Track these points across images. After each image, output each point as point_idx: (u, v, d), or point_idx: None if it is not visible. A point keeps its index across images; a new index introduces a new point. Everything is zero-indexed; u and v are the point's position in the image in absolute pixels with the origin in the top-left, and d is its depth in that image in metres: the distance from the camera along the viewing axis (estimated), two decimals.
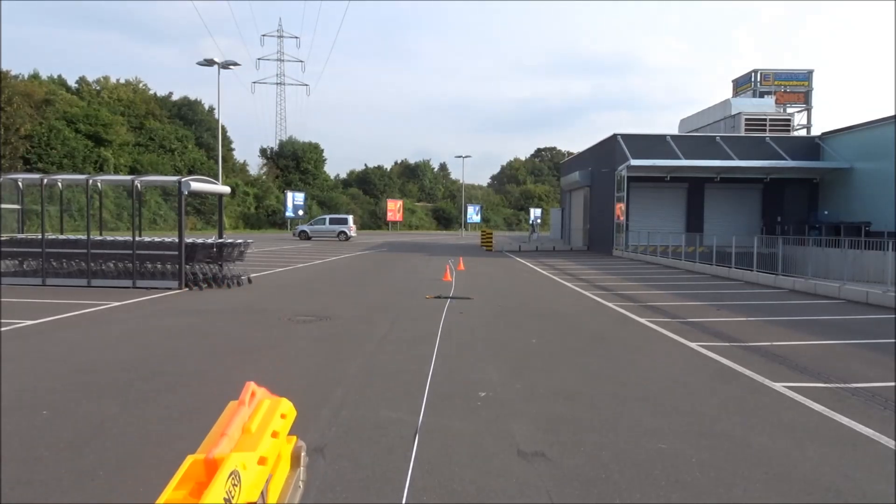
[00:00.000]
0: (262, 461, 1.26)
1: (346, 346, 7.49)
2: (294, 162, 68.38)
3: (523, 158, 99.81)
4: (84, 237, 13.78)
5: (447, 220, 72.87)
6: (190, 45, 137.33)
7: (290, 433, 1.63)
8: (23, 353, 6.83)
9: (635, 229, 26.66)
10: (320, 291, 13.26)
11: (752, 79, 38.64)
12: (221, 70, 22.19)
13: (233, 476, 1.10)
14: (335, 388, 5.54)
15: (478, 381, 5.84)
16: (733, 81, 41.12)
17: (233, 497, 1.08)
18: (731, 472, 3.82)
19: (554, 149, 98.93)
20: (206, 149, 59.27)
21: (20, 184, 15.41)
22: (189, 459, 1.14)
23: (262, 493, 1.27)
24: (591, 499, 3.42)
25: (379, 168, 78.29)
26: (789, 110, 37.30)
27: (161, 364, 6.41)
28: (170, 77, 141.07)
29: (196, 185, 13.85)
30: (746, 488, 3.59)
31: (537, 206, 71.06)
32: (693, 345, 7.79)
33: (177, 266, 13.08)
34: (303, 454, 1.61)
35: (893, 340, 8.19)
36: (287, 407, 1.58)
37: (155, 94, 62.71)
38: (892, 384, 5.98)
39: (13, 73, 49.43)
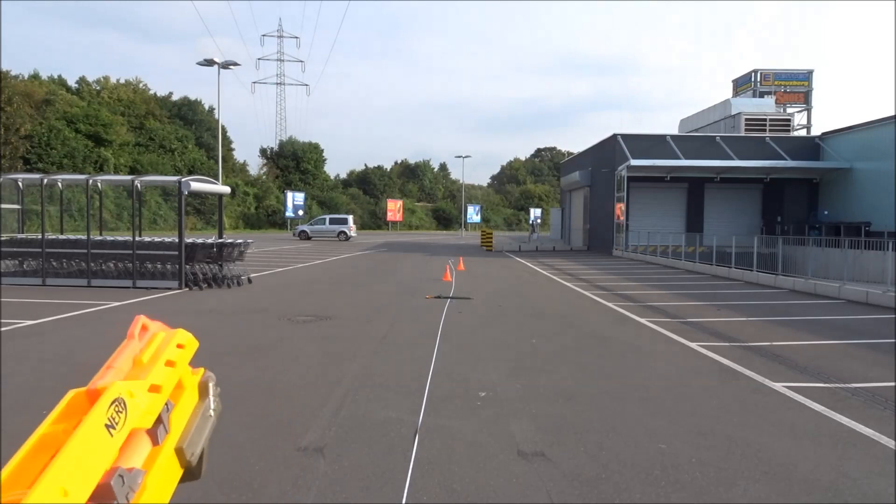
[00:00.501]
0: (154, 388, 1.22)
1: (347, 346, 7.49)
2: (294, 162, 68.36)
3: (523, 158, 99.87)
4: (84, 237, 13.78)
5: (447, 220, 72.86)
6: (190, 45, 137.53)
7: (196, 366, 1.58)
8: (23, 353, 6.83)
9: (635, 229, 26.65)
10: (320, 291, 13.26)
11: (752, 79, 38.62)
12: (221, 70, 22.19)
13: (116, 403, 1.06)
14: (335, 388, 5.54)
15: (478, 381, 5.84)
16: (733, 81, 41.11)
17: (116, 423, 1.05)
18: (731, 472, 3.82)
19: (554, 149, 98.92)
20: (206, 149, 59.26)
21: (20, 184, 15.41)
22: (70, 393, 1.12)
23: (162, 422, 1.23)
24: (591, 499, 3.42)
25: (379, 168, 78.30)
26: (789, 110, 37.28)
27: None
28: (170, 77, 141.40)
29: (196, 185, 13.84)
30: (746, 488, 3.59)
31: (537, 206, 71.02)
32: (693, 345, 7.79)
33: (177, 266, 13.08)
34: (211, 384, 1.57)
35: (893, 340, 8.19)
36: (185, 337, 1.53)
37: (155, 94, 62.73)
38: (892, 384, 5.98)
39: (13, 73, 49.51)
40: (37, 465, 1.01)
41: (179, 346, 1.55)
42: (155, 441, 1.19)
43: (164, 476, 1.20)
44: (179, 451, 1.28)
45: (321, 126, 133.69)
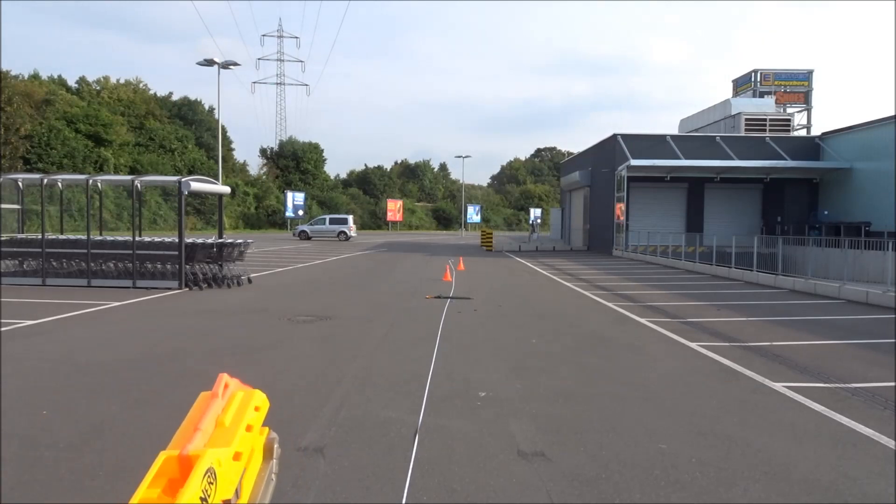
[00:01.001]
0: (236, 457, 1.23)
1: (347, 345, 7.49)
2: (294, 162, 68.36)
3: (523, 158, 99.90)
4: (84, 237, 13.78)
5: (447, 220, 72.87)
6: (190, 45, 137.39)
7: (263, 425, 1.58)
8: (23, 353, 6.83)
9: (635, 229, 26.66)
10: (320, 291, 13.26)
11: (752, 79, 38.63)
12: (221, 70, 22.19)
13: (209, 474, 1.07)
14: (335, 388, 5.54)
15: (478, 381, 5.84)
16: (733, 81, 41.11)
17: (209, 496, 1.06)
18: (731, 472, 3.82)
19: (554, 149, 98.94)
20: (206, 149, 59.26)
21: (20, 184, 15.41)
22: (162, 456, 1.12)
23: (236, 489, 1.23)
24: (591, 499, 3.42)
25: (379, 168, 78.30)
26: (789, 110, 37.29)
27: (161, 364, 6.41)
28: (170, 77, 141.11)
29: (196, 185, 13.84)
30: (746, 488, 3.59)
31: (537, 206, 71.05)
32: (693, 345, 7.79)
33: (177, 266, 13.08)
34: (275, 446, 1.56)
35: (893, 340, 8.19)
36: (260, 399, 1.52)
37: (155, 94, 62.74)
38: (892, 384, 5.98)
39: (13, 73, 49.51)
40: None
41: (256, 408, 1.55)
42: None
43: None
44: None
45: (321, 126, 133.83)
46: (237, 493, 1.24)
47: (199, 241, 14.22)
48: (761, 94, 37.59)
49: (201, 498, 1.03)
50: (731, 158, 27.06)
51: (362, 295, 12.65)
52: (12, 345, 7.23)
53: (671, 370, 6.52)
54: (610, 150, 29.51)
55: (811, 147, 28.83)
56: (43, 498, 3.38)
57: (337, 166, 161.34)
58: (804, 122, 37.97)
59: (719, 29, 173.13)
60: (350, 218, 42.83)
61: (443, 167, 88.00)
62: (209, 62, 21.60)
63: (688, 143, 29.15)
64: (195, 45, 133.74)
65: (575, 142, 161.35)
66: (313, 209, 59.45)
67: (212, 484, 1.07)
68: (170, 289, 12.75)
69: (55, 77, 56.51)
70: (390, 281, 15.64)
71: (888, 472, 3.87)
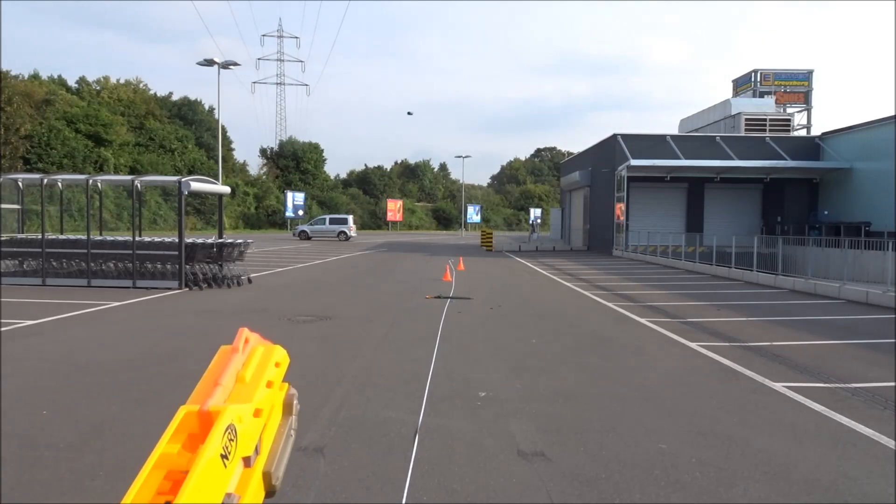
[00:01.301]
0: (257, 413, 1.21)
1: (347, 345, 7.49)
2: (294, 162, 68.35)
3: (523, 158, 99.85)
4: (84, 237, 13.78)
5: (447, 220, 72.85)
6: (190, 45, 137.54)
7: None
8: (23, 353, 6.83)
9: (635, 229, 26.65)
10: (320, 291, 13.26)
11: (752, 79, 38.61)
12: (221, 70, 22.20)
13: (229, 430, 1.05)
14: (335, 388, 5.54)
15: (478, 381, 5.84)
16: (733, 81, 41.10)
17: (229, 452, 1.04)
18: (731, 472, 3.82)
19: (554, 149, 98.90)
20: (206, 149, 59.24)
21: (20, 184, 15.41)
22: (182, 410, 1.10)
23: (255, 445, 1.22)
24: (591, 499, 3.42)
25: (379, 168, 78.28)
26: (789, 110, 37.28)
27: (161, 364, 6.41)
28: (170, 77, 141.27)
29: (196, 185, 13.84)
30: (746, 488, 3.59)
31: (537, 206, 71.02)
32: (693, 345, 7.79)
33: (177, 266, 13.07)
34: (294, 402, 1.54)
35: (893, 340, 8.19)
36: (280, 354, 1.50)
37: (155, 94, 62.70)
38: (892, 384, 5.98)
39: (13, 73, 49.49)
40: (154, 484, 1.03)
41: (277, 364, 1.53)
42: (247, 463, 1.18)
43: (252, 500, 1.19)
44: (266, 476, 1.26)
45: (321, 126, 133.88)
46: (257, 450, 1.22)
47: (199, 241, 14.22)
48: (761, 94, 37.58)
49: (221, 455, 1.01)
50: (731, 158, 27.05)
51: (362, 295, 12.65)
52: (12, 345, 7.23)
53: (671, 370, 6.52)
54: (610, 150, 29.50)
55: (811, 147, 28.82)
56: (43, 498, 3.38)
57: (337, 166, 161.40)
58: (804, 122, 37.97)
59: (719, 29, 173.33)
60: (350, 218, 42.82)
61: (443, 167, 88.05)
62: (209, 62, 21.60)
63: (688, 143, 29.14)
64: (195, 45, 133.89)
65: (575, 142, 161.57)
66: (313, 209, 59.43)
67: (232, 441, 1.05)
68: (170, 289, 12.75)
69: (55, 77, 56.53)
70: (390, 281, 15.63)
71: (888, 472, 3.87)
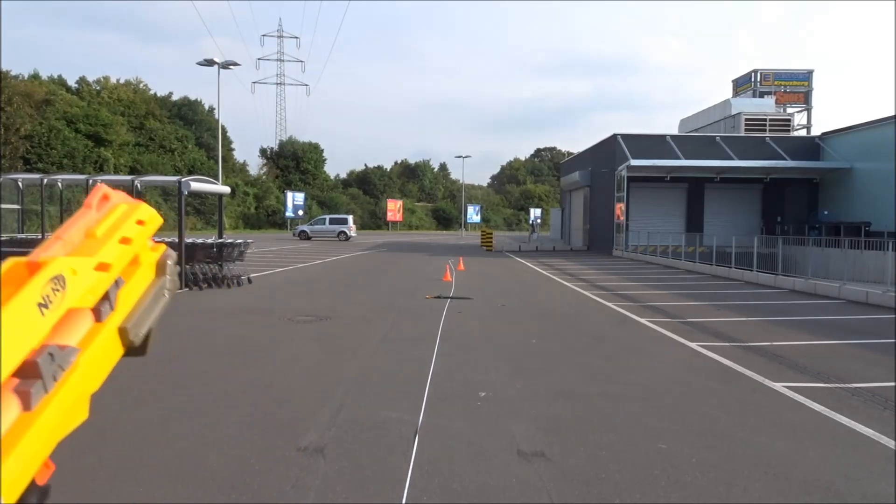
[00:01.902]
0: (101, 267, 1.17)
1: (346, 345, 7.49)
2: (294, 162, 68.34)
3: (523, 158, 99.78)
4: None
5: (447, 220, 72.84)
6: (190, 45, 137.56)
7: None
8: None
9: (635, 229, 26.65)
10: (320, 291, 13.25)
11: (752, 79, 38.65)
12: (221, 70, 22.17)
13: (55, 280, 1.03)
14: (335, 388, 5.54)
15: (478, 381, 5.84)
16: (733, 81, 41.13)
17: (51, 302, 0.99)
18: (731, 472, 3.82)
19: (554, 149, 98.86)
20: (206, 149, 59.22)
21: (20, 184, 15.41)
22: (10, 261, 1.08)
23: (108, 299, 1.19)
24: (591, 499, 3.42)
25: (379, 168, 78.26)
26: (789, 110, 37.31)
27: (161, 364, 6.41)
28: (170, 77, 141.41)
29: (196, 185, 13.84)
30: (746, 488, 3.59)
31: (537, 206, 71.00)
32: (693, 345, 7.79)
33: (176, 266, 13.06)
34: (170, 262, 1.51)
35: (893, 340, 8.19)
36: (147, 213, 1.46)
37: (155, 94, 62.64)
38: (892, 384, 5.98)
39: (13, 73, 49.47)
40: None
41: (140, 222, 1.47)
42: (98, 318, 1.15)
43: (102, 355, 1.16)
44: (122, 331, 1.22)
45: (321, 126, 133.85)
46: (111, 304, 1.19)
47: (199, 241, 14.22)
48: (761, 94, 37.61)
49: (40, 304, 0.97)
50: (731, 158, 27.06)
51: (362, 295, 12.65)
52: None
53: (671, 370, 6.52)
54: (610, 150, 29.50)
55: (811, 147, 28.83)
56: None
57: (337, 166, 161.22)
58: (804, 122, 38.01)
59: (719, 29, 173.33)
60: (350, 218, 42.82)
61: (443, 167, 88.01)
62: (209, 62, 21.59)
63: (688, 143, 29.14)
64: (195, 45, 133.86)
65: (575, 142, 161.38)
66: (313, 209, 59.41)
67: (57, 290, 1.00)
68: None
69: (55, 77, 56.49)
70: (390, 281, 15.63)
71: (888, 472, 3.87)
